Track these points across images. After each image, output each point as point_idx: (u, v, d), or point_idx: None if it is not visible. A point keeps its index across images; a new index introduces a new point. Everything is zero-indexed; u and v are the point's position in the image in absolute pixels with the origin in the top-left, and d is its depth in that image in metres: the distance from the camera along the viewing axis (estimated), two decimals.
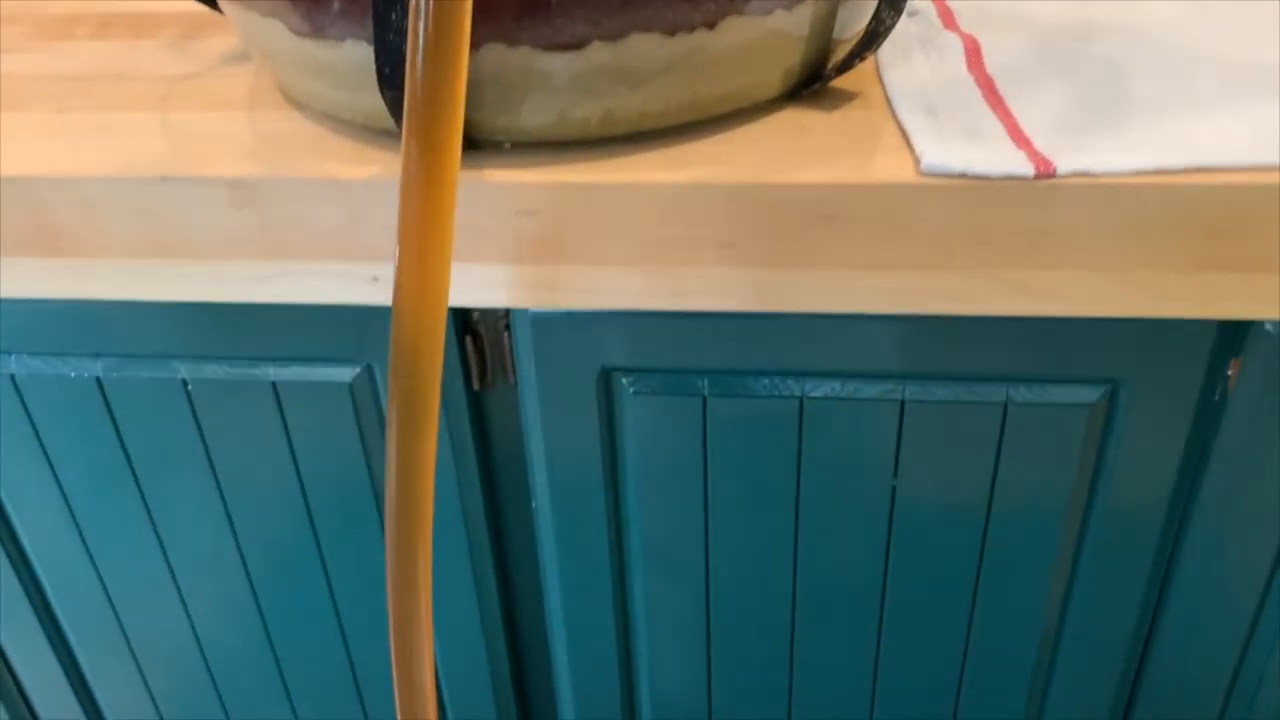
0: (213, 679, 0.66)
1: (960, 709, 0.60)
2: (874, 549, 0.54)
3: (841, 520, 0.53)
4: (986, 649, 0.58)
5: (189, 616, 0.63)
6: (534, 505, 0.55)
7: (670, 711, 0.62)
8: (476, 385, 0.52)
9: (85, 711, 0.69)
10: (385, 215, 0.43)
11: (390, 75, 0.38)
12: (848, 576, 0.55)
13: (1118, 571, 0.54)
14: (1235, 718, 0.60)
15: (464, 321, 0.50)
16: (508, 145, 0.43)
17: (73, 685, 0.68)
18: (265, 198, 0.43)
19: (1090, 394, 0.48)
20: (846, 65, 0.44)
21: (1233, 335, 0.46)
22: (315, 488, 0.56)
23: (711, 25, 0.40)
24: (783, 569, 0.55)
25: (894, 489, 0.52)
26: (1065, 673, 0.59)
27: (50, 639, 0.65)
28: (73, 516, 0.59)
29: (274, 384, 0.52)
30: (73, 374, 0.53)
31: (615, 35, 0.39)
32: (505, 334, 0.50)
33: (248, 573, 0.60)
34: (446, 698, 0.65)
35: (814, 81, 0.46)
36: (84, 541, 0.60)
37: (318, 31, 0.41)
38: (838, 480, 0.52)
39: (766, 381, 0.49)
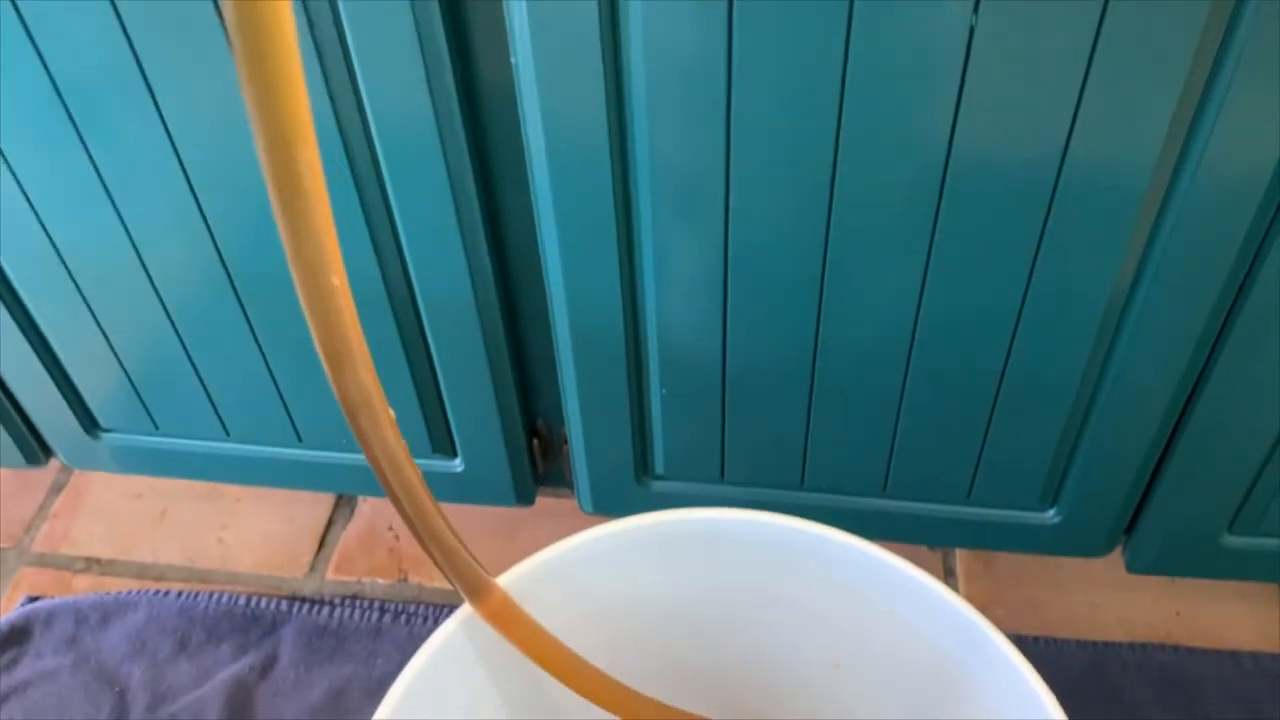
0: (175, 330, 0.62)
1: (999, 409, 0.56)
2: (922, 196, 0.47)
3: (888, 157, 0.46)
4: (1036, 334, 0.52)
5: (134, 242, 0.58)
6: (524, 137, 0.48)
7: (681, 372, 0.57)
8: None
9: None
10: None
11: None
12: (890, 220, 0.48)
13: (1188, 275, 0.48)
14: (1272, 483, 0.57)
15: None
16: None
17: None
18: None
19: None
20: None
21: None
22: None
23: None
24: (816, 210, 0.48)
25: (959, 98, 0.43)
26: (1112, 395, 0.54)
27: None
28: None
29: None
30: None
31: None
32: None
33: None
34: (439, 365, 0.61)
35: None
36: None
37: None
38: (888, 104, 0.43)
39: None
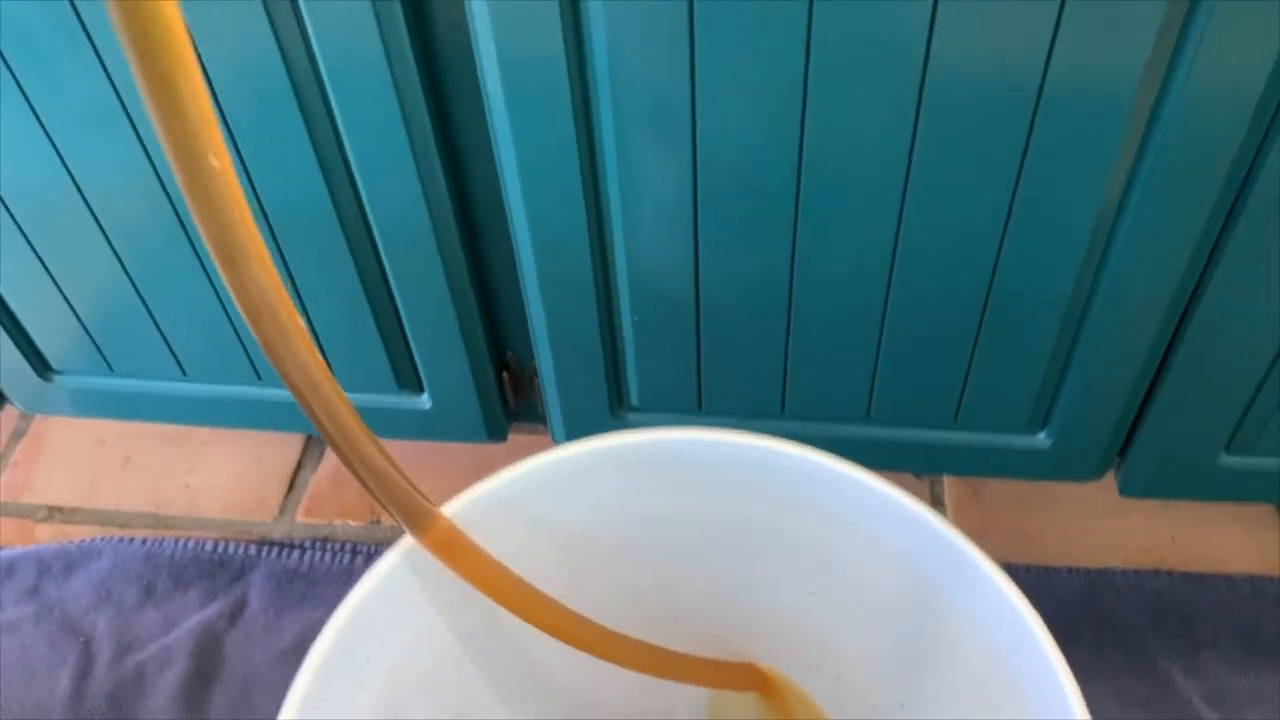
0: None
1: (985, 329, 0.54)
2: (900, 107, 0.44)
3: (863, 66, 0.43)
4: (1022, 250, 0.49)
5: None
6: (474, 45, 0.45)
7: (653, 299, 0.55)
8: None
9: None
10: None
11: None
12: (867, 133, 0.45)
13: (1182, 184, 0.46)
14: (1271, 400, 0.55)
15: None
16: None
17: None
18: None
19: None
20: None
21: None
22: None
23: None
24: (787, 123, 0.45)
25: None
26: (1103, 311, 0.52)
27: None
28: None
29: None
30: None
31: None
32: None
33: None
34: (399, 296, 0.58)
35: None
36: None
37: None
38: (861, 7, 0.41)
39: None
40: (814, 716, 0.49)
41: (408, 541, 0.38)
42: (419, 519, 0.36)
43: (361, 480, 0.34)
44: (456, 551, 0.37)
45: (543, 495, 0.41)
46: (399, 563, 0.38)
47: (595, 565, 0.44)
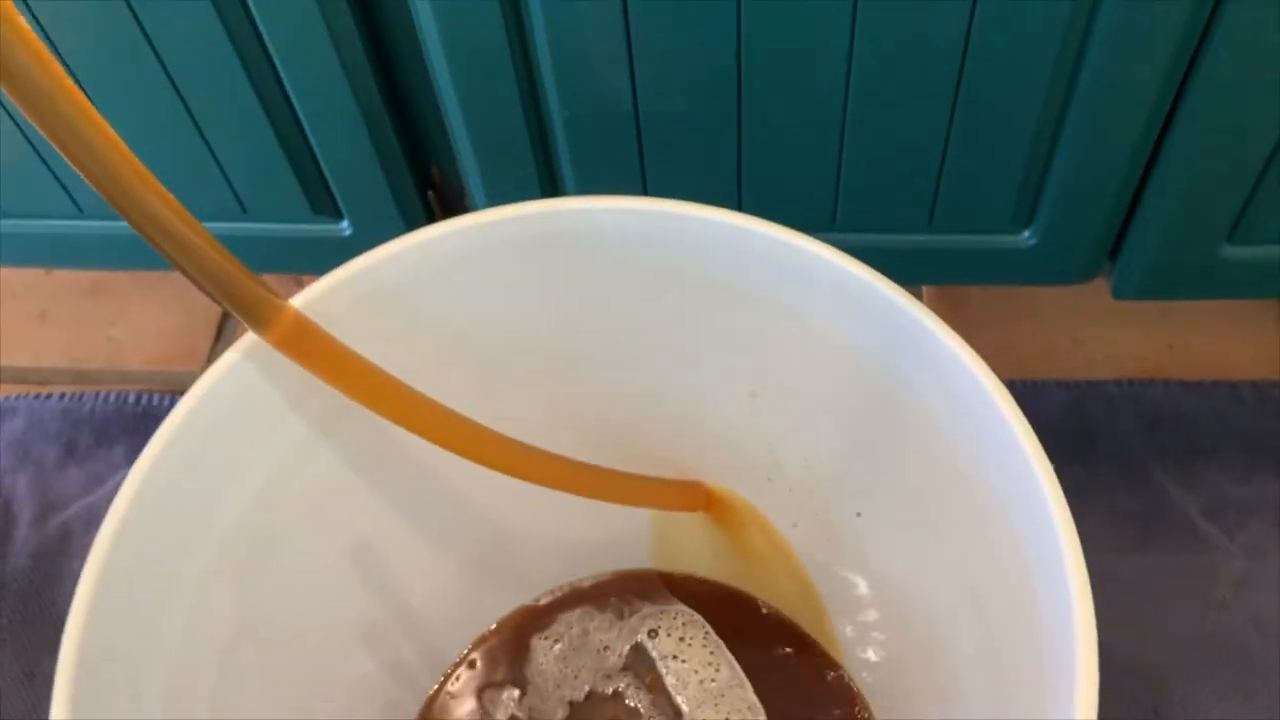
0: None
1: (958, 113, 0.48)
2: None
3: None
4: (998, 12, 0.43)
5: None
6: None
7: (584, 98, 0.48)
8: None
9: None
10: None
11: None
12: None
13: None
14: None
15: None
16: None
17: None
18: None
19: None
20: None
21: None
22: None
23: None
24: None
25: None
26: (1092, 86, 0.45)
27: None
28: None
29: None
30: None
31: None
32: None
33: None
34: (297, 103, 0.51)
35: None
36: None
37: None
38: None
39: None
40: (766, 533, 0.45)
41: (249, 339, 0.32)
42: (259, 310, 0.30)
43: (186, 272, 0.28)
44: (309, 346, 0.31)
45: (422, 286, 0.35)
46: (240, 363, 0.32)
47: (502, 377, 0.39)
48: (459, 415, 0.35)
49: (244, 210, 0.57)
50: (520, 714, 0.48)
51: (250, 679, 0.36)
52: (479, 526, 0.45)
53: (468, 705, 0.48)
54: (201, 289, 0.30)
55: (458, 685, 0.49)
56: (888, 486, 0.37)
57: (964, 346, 0.31)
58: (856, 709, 0.46)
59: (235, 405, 0.33)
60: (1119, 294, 0.60)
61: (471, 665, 0.49)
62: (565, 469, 0.39)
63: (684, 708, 0.46)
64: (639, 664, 0.48)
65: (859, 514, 0.40)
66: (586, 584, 0.51)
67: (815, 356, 0.36)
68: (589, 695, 0.48)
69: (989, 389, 0.30)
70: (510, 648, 0.50)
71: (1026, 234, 0.55)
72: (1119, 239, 0.56)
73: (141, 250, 0.61)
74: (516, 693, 0.49)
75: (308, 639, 0.39)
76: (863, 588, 0.42)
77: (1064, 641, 0.27)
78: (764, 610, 0.49)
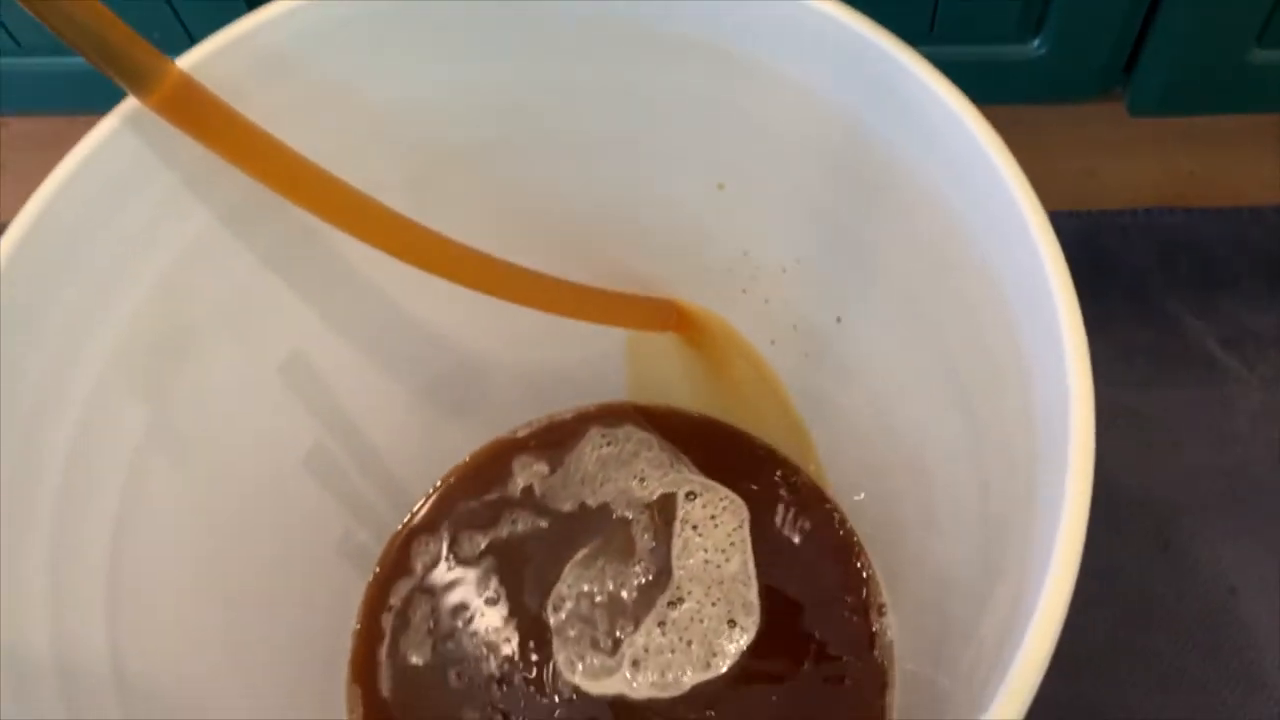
0: None
1: None
2: None
3: None
4: None
5: None
6: None
7: None
8: None
9: None
10: None
11: None
12: None
13: None
14: None
15: None
16: None
17: None
18: None
19: None
20: None
21: None
22: None
23: None
24: None
25: None
26: None
27: None
28: None
29: None
30: None
31: None
32: None
33: None
34: None
35: None
36: None
37: None
38: None
39: None
40: (743, 353, 0.42)
41: (130, 104, 0.28)
42: (135, 68, 0.26)
43: (49, 22, 0.24)
44: (197, 112, 0.27)
45: (335, 48, 0.31)
46: (120, 130, 0.28)
47: (438, 172, 0.35)
48: (387, 207, 0.31)
49: None
50: (539, 487, 0.46)
51: (164, 504, 0.32)
52: (430, 348, 0.42)
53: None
54: (71, 45, 0.26)
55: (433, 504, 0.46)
56: (870, 282, 0.33)
57: (959, 98, 0.27)
58: (847, 543, 0.44)
59: (119, 184, 0.29)
60: (1135, 109, 0.55)
61: (449, 488, 0.47)
62: (517, 276, 0.35)
63: (676, 574, 0.43)
64: (661, 511, 0.45)
65: (839, 319, 0.36)
66: (568, 415, 0.48)
67: (790, 130, 0.31)
68: (601, 507, 0.46)
69: (985, 147, 0.26)
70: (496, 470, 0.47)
71: (1035, 43, 0.51)
72: (1136, 48, 0.51)
73: (89, 91, 0.57)
74: (546, 468, 0.47)
75: (237, 464, 0.36)
76: (846, 404, 0.39)
77: (1059, 448, 0.23)
78: (747, 441, 0.46)
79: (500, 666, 0.43)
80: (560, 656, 0.43)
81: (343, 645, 0.44)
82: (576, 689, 0.42)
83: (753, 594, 0.42)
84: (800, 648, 0.42)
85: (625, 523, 0.45)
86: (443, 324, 0.41)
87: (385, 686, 0.43)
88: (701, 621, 0.42)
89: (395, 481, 0.45)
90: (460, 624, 0.44)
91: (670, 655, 0.41)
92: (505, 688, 0.42)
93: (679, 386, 0.46)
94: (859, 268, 0.33)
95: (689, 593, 0.42)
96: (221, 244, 0.32)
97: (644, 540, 0.44)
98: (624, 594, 0.43)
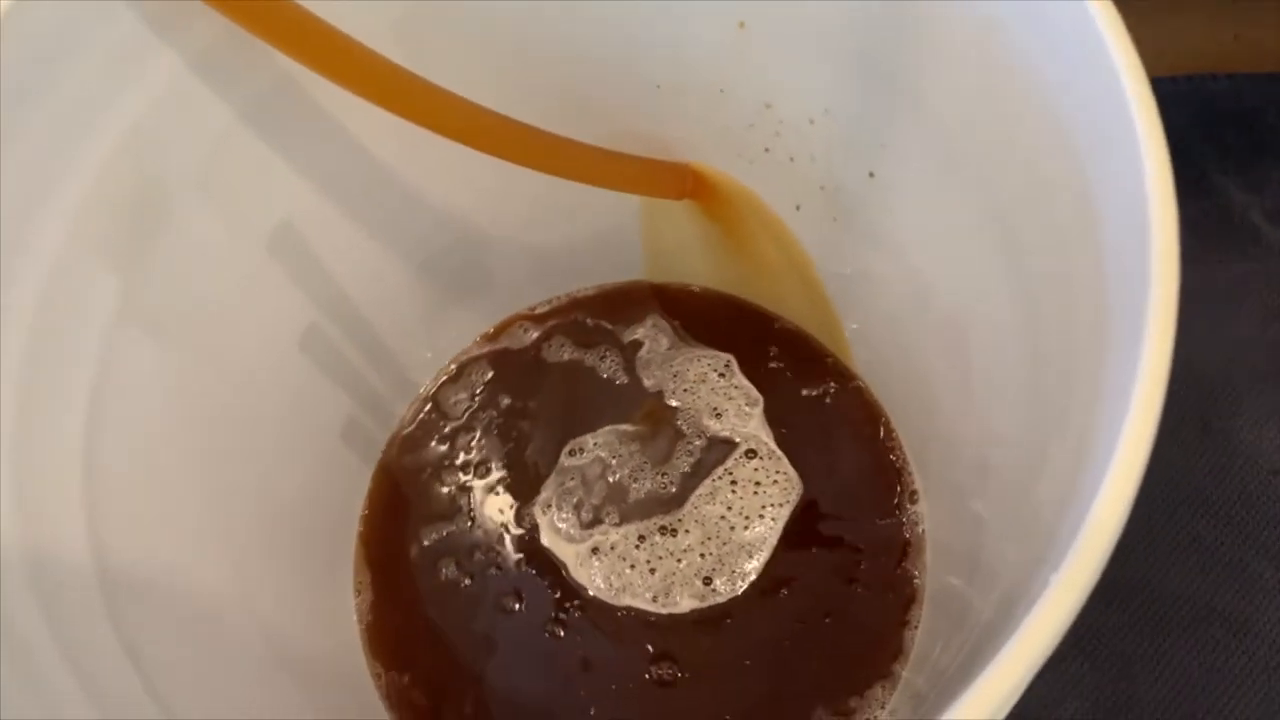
0: None
1: None
2: None
3: None
4: None
5: None
6: None
7: None
8: None
9: None
10: None
11: None
12: None
13: None
14: None
15: None
16: None
17: None
18: None
19: None
20: None
21: None
22: None
23: None
24: None
25: None
26: None
27: None
28: None
29: None
30: None
31: None
32: None
33: None
34: None
35: None
36: None
37: None
38: None
39: None
40: (763, 220, 0.39)
41: None
42: None
43: None
44: None
45: None
46: None
47: (428, 22, 0.32)
48: (375, 52, 0.28)
49: None
50: (568, 353, 0.45)
51: (145, 386, 0.30)
52: (429, 222, 0.39)
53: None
54: None
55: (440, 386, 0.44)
56: (909, 132, 0.30)
57: None
58: (875, 423, 0.41)
59: (75, 20, 0.26)
60: None
61: (460, 368, 0.45)
62: (517, 132, 0.32)
63: (686, 508, 0.40)
64: (713, 448, 0.42)
65: (872, 174, 0.33)
66: (590, 291, 0.45)
67: None
68: (657, 397, 0.44)
69: None
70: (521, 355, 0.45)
71: None
72: None
73: None
74: (573, 346, 0.45)
75: (225, 345, 0.33)
76: (878, 272, 0.36)
77: (1132, 309, 0.20)
78: (771, 321, 0.43)
79: (499, 526, 0.41)
80: (542, 496, 0.41)
81: (349, 533, 0.42)
82: (535, 528, 0.41)
83: (751, 566, 0.40)
84: (827, 540, 0.40)
85: (675, 432, 0.42)
86: (441, 194, 0.38)
87: (393, 570, 0.41)
88: (679, 562, 0.40)
89: (399, 366, 0.43)
90: (472, 502, 0.42)
91: (627, 570, 0.40)
92: (501, 550, 0.41)
93: (697, 263, 0.43)
94: (897, 116, 0.30)
95: (686, 532, 0.40)
96: (194, 94, 0.29)
97: (682, 459, 0.42)
98: (632, 487, 0.41)
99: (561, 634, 0.39)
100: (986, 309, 0.30)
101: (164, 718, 0.27)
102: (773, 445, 0.42)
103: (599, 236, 0.43)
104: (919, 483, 0.40)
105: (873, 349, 0.41)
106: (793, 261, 0.40)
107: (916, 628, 0.38)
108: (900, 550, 0.39)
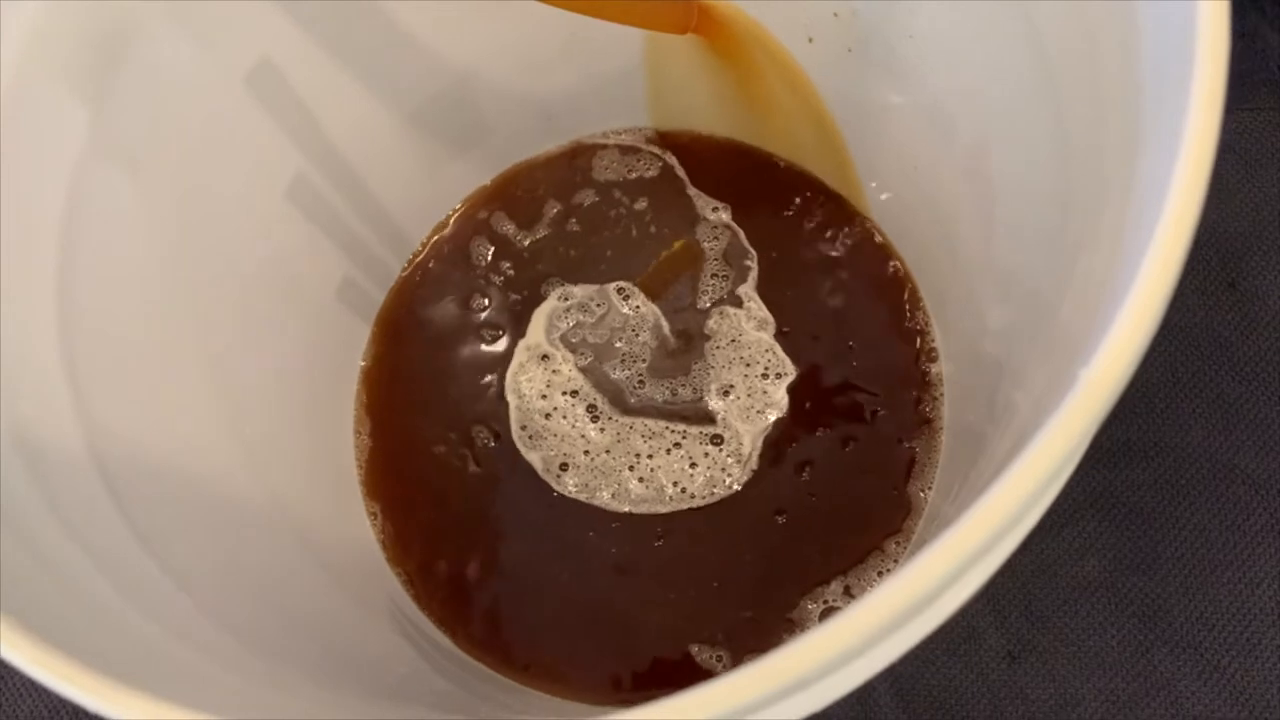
0: None
1: None
2: None
3: None
4: None
5: None
6: None
7: None
8: None
9: None
10: None
11: None
12: None
13: None
14: None
15: None
16: None
17: None
18: None
19: None
20: None
21: None
22: None
23: None
24: None
25: None
26: None
27: None
28: None
29: None
30: None
31: None
32: None
33: None
34: None
35: None
36: None
37: None
38: None
39: None
40: (771, 55, 0.36)
41: None
42: None
43: None
44: None
45: None
46: None
47: None
48: None
49: None
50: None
51: (120, 232, 0.28)
52: (419, 65, 0.37)
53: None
54: None
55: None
56: None
57: None
58: (894, 268, 0.40)
59: None
60: None
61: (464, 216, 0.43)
62: None
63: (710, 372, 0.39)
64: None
65: (911, 35, 0.31)
66: (594, 138, 0.44)
67: None
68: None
69: None
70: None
71: None
72: None
73: None
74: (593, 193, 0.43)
75: (205, 192, 0.32)
76: (895, 104, 0.34)
77: (1173, 92, 0.18)
78: (778, 165, 0.41)
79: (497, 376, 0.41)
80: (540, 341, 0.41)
81: (349, 390, 0.41)
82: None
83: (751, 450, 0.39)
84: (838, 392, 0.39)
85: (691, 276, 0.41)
86: (431, 34, 0.36)
87: (392, 415, 0.41)
88: (679, 449, 0.39)
89: (393, 222, 0.41)
90: (474, 350, 0.41)
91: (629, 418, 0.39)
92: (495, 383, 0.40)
93: (703, 106, 0.41)
94: None
95: (696, 365, 0.39)
96: None
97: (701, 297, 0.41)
98: (636, 341, 0.40)
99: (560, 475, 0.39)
100: (1013, 130, 0.29)
101: (162, 572, 0.26)
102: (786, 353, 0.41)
103: (600, 81, 0.40)
104: (936, 327, 0.39)
105: (889, 188, 0.39)
106: (801, 99, 0.37)
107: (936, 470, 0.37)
108: (918, 392, 0.38)
